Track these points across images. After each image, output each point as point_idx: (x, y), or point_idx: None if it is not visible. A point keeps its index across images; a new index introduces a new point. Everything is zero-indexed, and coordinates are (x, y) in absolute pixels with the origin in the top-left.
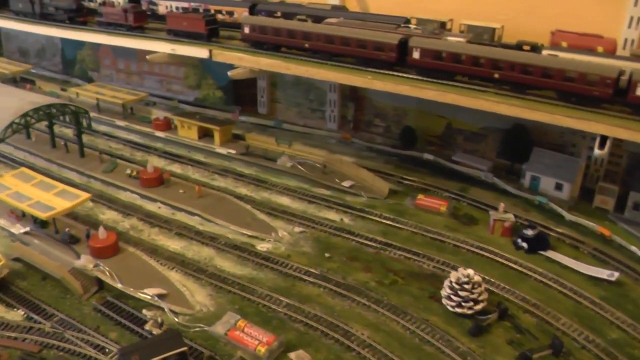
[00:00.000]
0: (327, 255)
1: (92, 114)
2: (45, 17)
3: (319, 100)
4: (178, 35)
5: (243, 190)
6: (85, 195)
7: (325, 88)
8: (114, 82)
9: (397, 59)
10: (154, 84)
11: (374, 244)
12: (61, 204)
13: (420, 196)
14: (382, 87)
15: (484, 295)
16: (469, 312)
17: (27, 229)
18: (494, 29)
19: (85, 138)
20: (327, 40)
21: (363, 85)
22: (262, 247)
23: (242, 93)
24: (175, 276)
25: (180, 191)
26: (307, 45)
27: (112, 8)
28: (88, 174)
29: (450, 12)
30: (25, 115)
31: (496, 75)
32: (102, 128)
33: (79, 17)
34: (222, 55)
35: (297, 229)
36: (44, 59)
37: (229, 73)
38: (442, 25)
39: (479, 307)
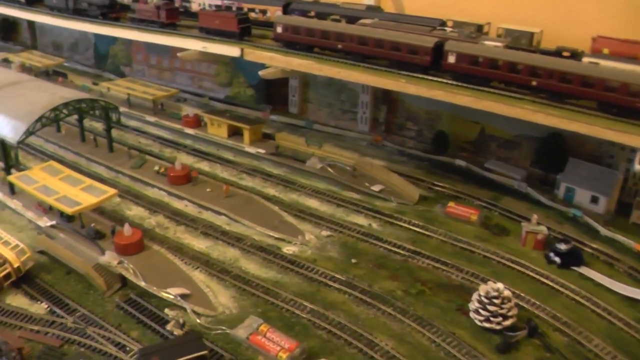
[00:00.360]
0: (353, 261)
1: (122, 109)
2: (78, 13)
3: (350, 101)
4: (210, 33)
5: (271, 190)
6: (112, 191)
7: (358, 89)
8: (146, 77)
9: (432, 62)
10: (185, 80)
11: (402, 252)
12: (88, 200)
13: (450, 204)
14: (415, 91)
15: (514, 311)
16: (498, 327)
17: (54, 222)
18: (532, 34)
19: (114, 133)
20: (361, 41)
21: (396, 89)
22: (288, 250)
23: (273, 92)
24: (199, 276)
25: (208, 190)
26: (340, 47)
27: (145, 5)
28: (116, 169)
29: (488, 15)
30: (55, 110)
31: (534, 83)
32: (132, 123)
33: (112, 13)
34: (254, 55)
35: (325, 233)
36: (77, 53)
37: (260, 73)
38: (479, 28)
39: (508, 322)
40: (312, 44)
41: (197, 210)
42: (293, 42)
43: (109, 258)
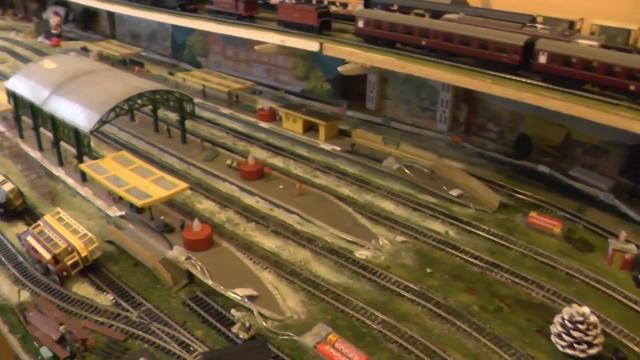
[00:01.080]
0: (428, 270)
1: (196, 100)
2: (156, 4)
3: (430, 99)
4: (288, 27)
5: (345, 190)
6: (182, 185)
7: (438, 87)
8: (222, 68)
9: (521, 62)
10: (261, 72)
11: (479, 263)
12: (158, 192)
13: (532, 213)
14: (503, 92)
15: (600, 339)
16: (582, 355)
17: (123, 212)
18: (629, 31)
19: (188, 124)
20: (446, 38)
21: (481, 90)
22: (361, 254)
23: (350, 87)
24: (267, 277)
25: (280, 187)
26: (423, 43)
27: None
28: (188, 161)
29: (581, 11)
30: (129, 100)
31: (632, 87)
32: (206, 115)
33: (190, 4)
34: (333, 50)
35: (399, 238)
36: (154, 43)
37: (340, 69)
38: (571, 25)
39: (593, 351)
40: (395, 39)
41: (268, 207)
42: (374, 37)
43: (177, 253)
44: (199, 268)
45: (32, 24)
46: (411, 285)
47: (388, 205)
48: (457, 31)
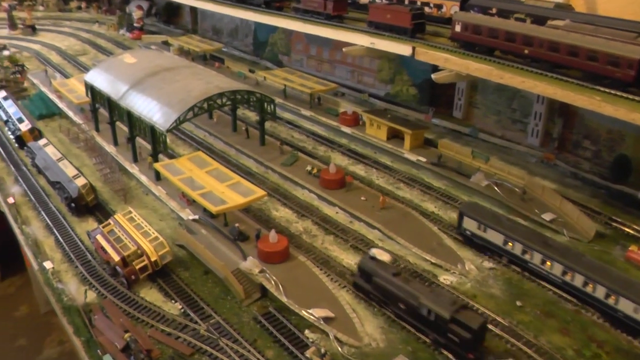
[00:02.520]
0: (518, 304)
1: (277, 100)
2: (242, 1)
3: (522, 110)
4: (379, 28)
5: (430, 206)
6: (260, 192)
7: (532, 98)
8: (304, 68)
9: (636, 78)
10: (344, 73)
11: (574, 300)
12: (234, 199)
13: (632, 247)
14: (613, 112)
15: None
16: None
17: (196, 216)
18: None
19: (267, 124)
20: (551, 47)
21: (589, 108)
22: (446, 279)
23: (438, 93)
24: (345, 297)
25: (362, 198)
26: (526, 52)
27: None
28: (266, 164)
29: None
30: (209, 100)
31: None
32: (286, 115)
33: (276, 2)
34: (427, 55)
35: (487, 264)
36: (235, 39)
37: (434, 76)
38: None
39: None
40: (495, 46)
41: (348, 219)
42: (472, 43)
43: (251, 265)
44: (273, 283)
45: (115, 17)
46: (499, 319)
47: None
48: (565, 40)
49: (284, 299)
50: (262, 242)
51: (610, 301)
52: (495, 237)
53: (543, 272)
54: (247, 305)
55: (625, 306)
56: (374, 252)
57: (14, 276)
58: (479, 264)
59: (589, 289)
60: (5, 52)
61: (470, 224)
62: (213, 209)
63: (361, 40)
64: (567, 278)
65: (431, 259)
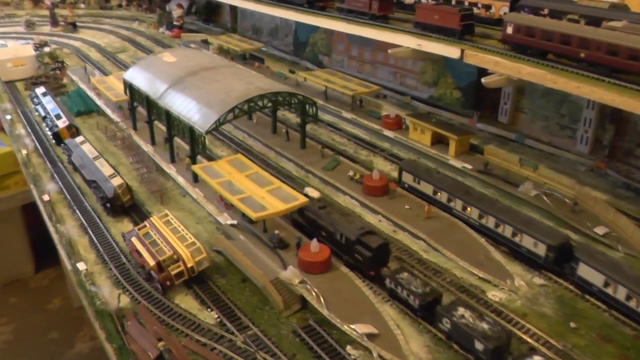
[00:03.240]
0: (572, 325)
1: (318, 101)
2: (283, 0)
3: (571, 116)
4: (426, 29)
5: (476, 216)
6: (302, 199)
7: (582, 103)
8: (345, 68)
9: None
10: (386, 75)
11: (633, 324)
12: (275, 205)
13: None
14: None
15: None
16: None
17: (234, 221)
18: None
19: (308, 127)
20: (610, 50)
21: None
22: (494, 295)
23: (482, 97)
24: (389, 312)
25: (406, 207)
26: (582, 55)
27: None
28: (307, 168)
29: None
30: (250, 101)
31: None
32: (327, 118)
33: (319, 1)
34: (476, 58)
35: (538, 281)
36: (276, 38)
37: (484, 80)
38: None
39: None
40: (548, 49)
41: (392, 228)
42: (524, 46)
43: (291, 275)
44: (314, 294)
45: (155, 15)
46: (552, 342)
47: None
48: (625, 43)
49: (325, 312)
50: (303, 251)
51: (517, 239)
52: (426, 188)
53: (464, 217)
54: (286, 317)
55: (528, 242)
56: (307, 190)
57: (48, 269)
58: (529, 280)
59: (499, 229)
60: (46, 49)
61: (407, 178)
62: (252, 215)
63: (407, 41)
64: (483, 221)
65: (478, 274)
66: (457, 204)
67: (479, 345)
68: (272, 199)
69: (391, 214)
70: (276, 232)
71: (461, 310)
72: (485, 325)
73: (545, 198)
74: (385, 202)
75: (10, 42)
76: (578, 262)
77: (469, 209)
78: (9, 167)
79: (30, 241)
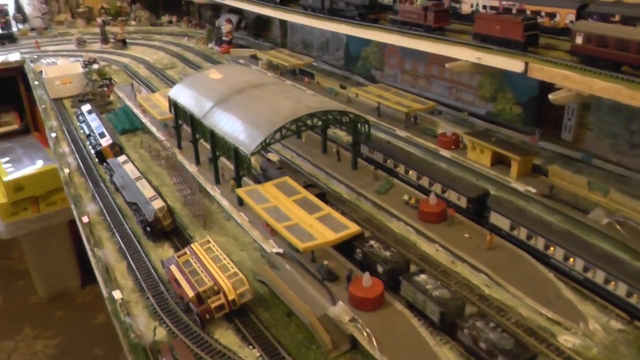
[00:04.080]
0: None
1: (369, 118)
2: (334, 13)
3: None
4: (485, 41)
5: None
6: (354, 228)
7: None
8: (397, 83)
9: None
10: (441, 89)
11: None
12: (324, 234)
13: None
14: None
15: None
16: None
17: (281, 250)
18: None
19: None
20: None
21: None
22: (566, 340)
23: (544, 112)
24: (448, 355)
25: (466, 235)
26: None
27: (411, 5)
28: (358, 190)
29: None
30: (298, 121)
31: None
32: (380, 136)
33: (371, 14)
34: (542, 71)
35: (615, 325)
36: (326, 53)
37: (551, 97)
38: None
39: None
40: (623, 60)
41: (450, 258)
42: (596, 57)
43: (341, 311)
44: (365, 335)
45: (204, 31)
46: None
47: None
48: None
49: (377, 355)
50: (354, 285)
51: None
52: (379, 157)
53: (404, 178)
54: (335, 358)
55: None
56: (269, 155)
57: (94, 284)
58: (604, 323)
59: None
60: (95, 66)
61: (364, 149)
62: (300, 245)
63: (466, 54)
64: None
65: (547, 314)
66: (399, 168)
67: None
68: (321, 227)
69: (449, 242)
70: (325, 262)
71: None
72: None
73: (618, 227)
74: (442, 229)
75: (61, 60)
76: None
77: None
78: (56, 183)
79: (77, 256)
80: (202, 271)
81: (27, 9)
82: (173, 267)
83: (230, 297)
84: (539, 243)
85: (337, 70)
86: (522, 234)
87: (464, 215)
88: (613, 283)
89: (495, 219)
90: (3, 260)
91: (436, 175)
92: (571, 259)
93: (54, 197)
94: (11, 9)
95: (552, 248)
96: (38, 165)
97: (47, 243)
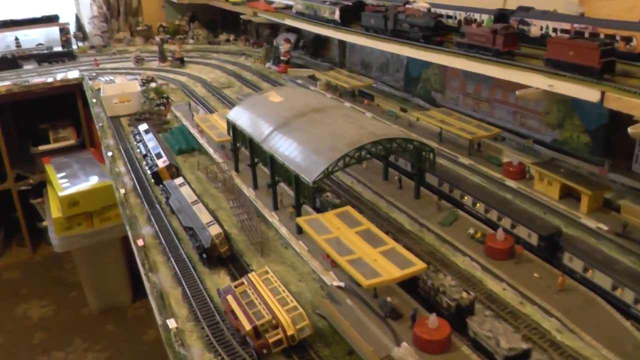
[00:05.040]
0: None
1: (431, 144)
2: (397, 35)
3: None
4: (558, 67)
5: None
6: (420, 265)
7: None
8: (459, 106)
9: None
10: (504, 114)
11: None
12: (389, 271)
13: None
14: None
15: None
16: None
17: (342, 283)
18: None
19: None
20: None
21: None
22: None
23: (613, 141)
24: None
25: (535, 275)
26: None
27: (478, 28)
28: (421, 221)
29: None
30: (361, 149)
31: None
32: (442, 162)
33: (436, 36)
34: (620, 102)
35: None
36: (385, 74)
37: (631, 130)
38: None
39: None
40: None
41: (518, 298)
42: None
43: (405, 354)
44: None
45: (261, 50)
46: None
47: None
48: None
49: None
50: (420, 325)
51: None
52: (444, 186)
53: (470, 210)
54: None
55: None
56: None
57: (145, 298)
58: None
59: None
60: (152, 84)
61: (428, 177)
62: (364, 282)
63: (537, 81)
64: None
65: None
66: None
67: None
68: (385, 263)
69: (517, 282)
70: (388, 299)
71: None
72: None
73: None
74: (510, 267)
75: (119, 78)
76: None
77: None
78: (111, 199)
79: (129, 270)
80: (260, 303)
81: (88, 27)
82: (230, 298)
83: (289, 333)
84: (617, 290)
85: (396, 91)
86: (597, 277)
87: (534, 253)
88: None
89: (569, 259)
90: (56, 271)
91: (505, 209)
92: None
93: (108, 213)
94: (72, 27)
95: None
96: (93, 181)
97: (100, 257)
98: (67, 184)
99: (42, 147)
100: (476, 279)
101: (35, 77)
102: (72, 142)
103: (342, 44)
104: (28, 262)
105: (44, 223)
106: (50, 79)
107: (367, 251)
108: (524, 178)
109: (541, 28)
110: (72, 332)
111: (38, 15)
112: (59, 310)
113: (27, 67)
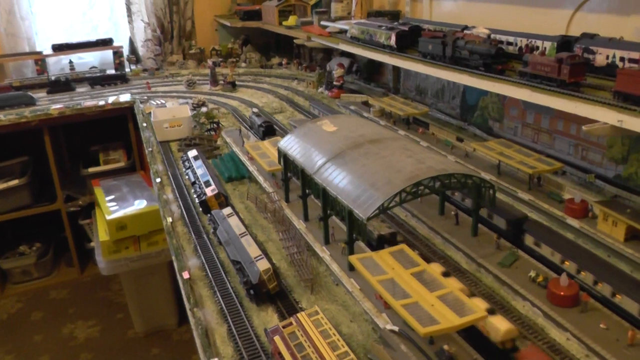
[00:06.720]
0: None
1: (488, 176)
2: (456, 62)
3: None
4: (628, 100)
5: None
6: (480, 313)
7: None
8: (517, 137)
9: None
10: (565, 147)
11: None
12: (447, 318)
13: None
14: None
15: None
16: None
17: (396, 328)
18: None
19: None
20: None
21: None
22: None
23: None
24: None
25: (602, 325)
26: None
27: (542, 57)
28: (479, 261)
29: None
30: (419, 184)
31: None
32: (500, 197)
33: (497, 64)
34: None
35: None
36: (441, 100)
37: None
38: None
39: None
40: None
41: (583, 351)
42: None
43: None
44: None
45: (314, 74)
46: None
47: None
48: None
49: None
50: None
51: None
52: (503, 224)
53: (532, 250)
54: None
55: None
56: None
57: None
58: None
59: None
60: (203, 109)
61: (485, 212)
62: (421, 330)
63: (604, 115)
64: None
65: None
66: None
67: None
68: (443, 309)
69: (582, 332)
70: (445, 346)
71: None
72: None
73: None
74: (574, 315)
75: (170, 102)
76: None
77: None
78: (158, 223)
79: (175, 294)
80: (309, 346)
81: (141, 51)
82: (277, 339)
83: None
84: None
85: (452, 120)
86: None
87: (601, 303)
88: None
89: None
90: (103, 292)
91: (571, 252)
92: None
93: (155, 237)
94: (125, 50)
95: None
96: (141, 205)
97: (146, 281)
98: (115, 207)
99: (92, 169)
100: (538, 326)
101: (88, 99)
102: (122, 164)
103: (396, 69)
104: (76, 282)
105: (92, 244)
106: (102, 102)
107: (423, 295)
108: (587, 217)
109: (607, 57)
110: (117, 354)
111: (92, 39)
112: (104, 332)
113: (80, 89)
